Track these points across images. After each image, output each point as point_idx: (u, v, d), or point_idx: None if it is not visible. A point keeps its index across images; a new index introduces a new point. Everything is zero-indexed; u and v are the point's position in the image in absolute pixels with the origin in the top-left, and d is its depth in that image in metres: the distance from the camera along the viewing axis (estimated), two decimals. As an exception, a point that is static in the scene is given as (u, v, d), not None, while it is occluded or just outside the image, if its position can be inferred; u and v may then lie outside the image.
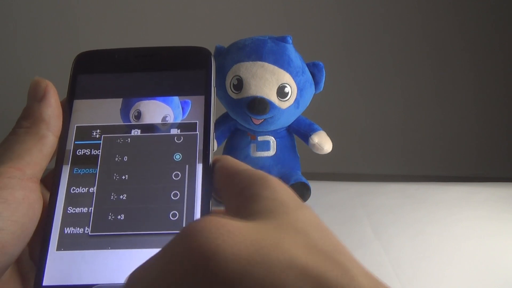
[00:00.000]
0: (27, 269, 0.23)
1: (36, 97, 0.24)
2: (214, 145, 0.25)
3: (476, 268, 0.51)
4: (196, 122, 0.25)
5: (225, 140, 0.64)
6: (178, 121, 0.26)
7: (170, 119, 0.26)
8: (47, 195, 0.24)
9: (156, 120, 0.26)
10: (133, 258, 0.22)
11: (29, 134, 0.23)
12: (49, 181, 0.24)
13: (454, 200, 0.65)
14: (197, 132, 0.25)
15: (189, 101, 0.26)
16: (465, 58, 1.34)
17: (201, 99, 0.26)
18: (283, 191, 0.19)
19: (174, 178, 0.24)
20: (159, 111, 0.26)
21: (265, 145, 0.61)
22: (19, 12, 1.30)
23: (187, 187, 0.24)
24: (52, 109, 0.24)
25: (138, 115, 0.26)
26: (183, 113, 0.26)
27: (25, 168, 0.22)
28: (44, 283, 0.22)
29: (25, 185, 0.22)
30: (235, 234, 0.15)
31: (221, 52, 0.60)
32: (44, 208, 0.23)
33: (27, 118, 0.23)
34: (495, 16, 1.30)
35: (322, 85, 0.60)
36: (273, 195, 0.18)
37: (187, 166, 0.24)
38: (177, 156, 0.25)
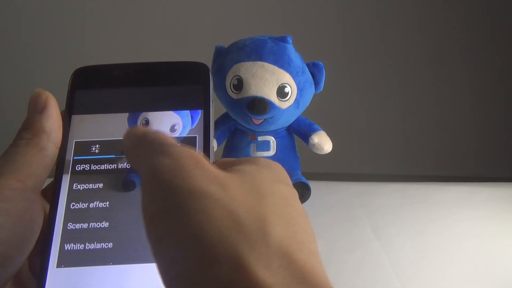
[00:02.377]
0: (27, 283, 0.23)
1: (37, 109, 0.24)
2: (213, 157, 0.25)
3: (476, 268, 0.51)
4: (196, 137, 0.25)
5: (225, 140, 0.64)
6: (187, 130, 0.25)
7: (179, 128, 0.25)
8: (47, 206, 0.24)
9: (165, 128, 0.26)
10: (136, 273, 0.22)
11: (30, 145, 0.23)
12: (48, 194, 0.24)
13: (454, 200, 0.65)
14: (197, 147, 0.25)
15: (200, 110, 0.26)
16: (465, 58, 1.34)
17: (200, 113, 0.26)
18: (265, 168, 0.21)
19: None
20: (167, 119, 0.26)
21: (265, 145, 0.61)
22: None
23: None
24: (53, 121, 0.24)
25: (146, 123, 0.26)
26: (192, 122, 0.26)
27: (27, 179, 0.22)
28: None
29: (27, 197, 0.21)
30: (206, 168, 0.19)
31: (221, 52, 0.60)
32: (44, 222, 0.23)
33: (28, 130, 0.23)
34: (495, 16, 1.30)
35: (322, 85, 0.60)
36: (254, 168, 0.20)
37: None
38: None
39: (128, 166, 0.25)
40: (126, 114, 0.26)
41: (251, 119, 0.57)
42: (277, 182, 0.20)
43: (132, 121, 0.26)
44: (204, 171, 0.19)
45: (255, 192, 0.19)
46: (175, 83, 0.27)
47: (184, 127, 0.26)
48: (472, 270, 0.50)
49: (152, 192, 0.18)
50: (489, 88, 1.37)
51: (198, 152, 0.20)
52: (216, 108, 0.56)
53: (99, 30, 1.32)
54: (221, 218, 0.17)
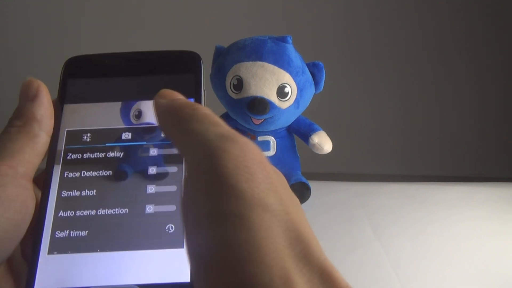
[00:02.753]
0: (19, 268, 0.23)
1: (28, 97, 0.24)
2: None
3: (476, 268, 0.51)
4: None
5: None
6: None
7: None
8: (39, 194, 0.24)
9: None
10: (126, 260, 0.22)
11: (22, 133, 0.23)
12: (40, 182, 0.24)
13: (454, 200, 0.65)
14: None
15: (191, 99, 0.26)
16: (465, 58, 1.34)
17: None
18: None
19: (167, 180, 0.24)
20: None
21: (265, 145, 0.61)
22: (16, 13, 1.30)
23: (179, 190, 0.24)
24: (45, 109, 0.24)
25: (139, 114, 0.26)
26: None
27: (18, 166, 0.22)
28: None
29: (18, 183, 0.22)
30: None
31: (221, 52, 0.60)
32: (36, 209, 0.23)
33: (20, 118, 0.23)
34: (495, 16, 1.30)
35: (322, 85, 0.60)
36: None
37: (177, 168, 0.24)
38: (167, 160, 0.25)
39: (121, 155, 0.25)
40: (119, 103, 0.26)
41: (251, 119, 0.57)
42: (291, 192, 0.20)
43: (125, 112, 0.26)
44: (266, 175, 0.17)
45: (296, 206, 0.18)
46: (167, 72, 0.27)
47: None
48: (472, 270, 0.50)
49: (210, 185, 0.17)
50: (489, 88, 1.37)
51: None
52: (216, 108, 0.56)
53: (96, 26, 1.32)
54: (278, 237, 0.16)
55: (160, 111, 0.20)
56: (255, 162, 0.17)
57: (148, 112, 0.26)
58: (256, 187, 0.16)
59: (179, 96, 0.21)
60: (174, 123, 0.19)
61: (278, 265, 0.15)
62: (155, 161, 0.25)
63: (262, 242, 0.16)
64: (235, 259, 0.15)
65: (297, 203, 0.18)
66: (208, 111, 0.19)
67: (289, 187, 0.19)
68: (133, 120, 0.26)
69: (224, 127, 0.18)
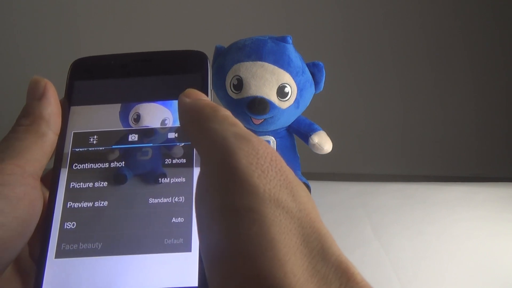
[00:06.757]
0: (27, 268, 0.23)
1: (35, 96, 0.24)
2: None
3: (476, 268, 0.51)
4: None
5: (225, 140, 0.64)
6: (177, 124, 0.25)
7: (169, 122, 0.26)
8: (47, 193, 0.24)
9: (156, 123, 0.26)
10: (134, 264, 0.22)
11: (29, 132, 0.23)
12: (48, 181, 0.24)
13: (454, 200, 0.65)
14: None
15: None
16: (465, 58, 1.34)
17: None
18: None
19: (176, 181, 0.24)
20: (158, 114, 0.26)
21: (265, 145, 0.61)
22: (20, 14, 1.30)
23: (186, 190, 0.24)
24: (52, 108, 0.24)
25: (138, 118, 0.26)
26: None
27: (26, 165, 0.22)
28: None
29: (26, 182, 0.21)
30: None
31: (221, 52, 0.60)
32: (44, 208, 0.23)
33: (27, 116, 0.23)
34: (495, 16, 1.30)
35: (322, 85, 0.60)
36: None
37: (185, 169, 0.24)
38: (175, 161, 0.25)
39: (127, 157, 0.25)
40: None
41: (251, 119, 0.57)
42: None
43: (123, 116, 0.26)
44: (278, 172, 0.17)
45: (310, 203, 0.18)
46: (174, 71, 0.27)
47: (174, 121, 0.26)
48: (472, 270, 0.50)
49: (222, 180, 0.17)
50: (489, 88, 1.37)
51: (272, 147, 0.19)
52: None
53: (99, 27, 1.32)
54: (291, 232, 0.16)
55: (182, 109, 0.21)
56: (267, 160, 0.17)
57: (147, 116, 0.26)
58: (268, 183, 0.17)
59: (203, 97, 0.21)
60: (194, 121, 0.20)
61: (291, 261, 0.15)
62: (160, 163, 0.25)
63: (275, 237, 0.16)
64: (248, 253, 0.15)
65: (311, 201, 0.18)
66: (228, 113, 0.19)
67: (304, 187, 0.19)
68: (132, 123, 0.26)
69: (241, 128, 0.19)
